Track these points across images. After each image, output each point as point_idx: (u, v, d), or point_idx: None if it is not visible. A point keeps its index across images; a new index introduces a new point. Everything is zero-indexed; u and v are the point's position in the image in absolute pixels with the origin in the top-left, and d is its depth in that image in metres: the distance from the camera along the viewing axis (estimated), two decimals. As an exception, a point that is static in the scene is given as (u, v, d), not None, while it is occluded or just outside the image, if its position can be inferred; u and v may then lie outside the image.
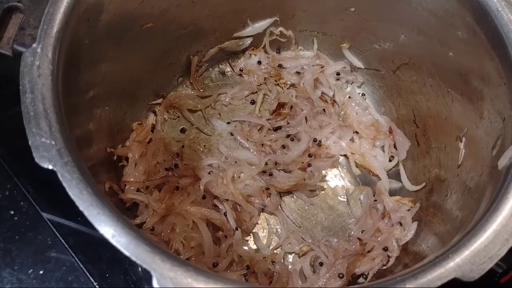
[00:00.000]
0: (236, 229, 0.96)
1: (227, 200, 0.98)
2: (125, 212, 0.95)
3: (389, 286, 0.61)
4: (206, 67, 1.19)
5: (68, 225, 0.98)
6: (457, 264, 0.62)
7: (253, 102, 1.17)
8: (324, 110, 1.13)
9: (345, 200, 1.07)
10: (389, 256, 0.96)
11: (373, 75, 1.17)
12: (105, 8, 0.84)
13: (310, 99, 1.14)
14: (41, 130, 0.64)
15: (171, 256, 0.60)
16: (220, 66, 1.21)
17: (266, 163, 1.04)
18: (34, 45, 0.69)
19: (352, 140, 1.12)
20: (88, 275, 0.95)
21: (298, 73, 1.19)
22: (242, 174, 1.01)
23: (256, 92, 1.18)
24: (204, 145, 1.11)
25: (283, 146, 1.07)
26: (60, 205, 0.99)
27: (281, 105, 1.14)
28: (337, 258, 0.93)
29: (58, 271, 0.96)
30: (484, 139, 0.83)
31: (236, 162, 1.06)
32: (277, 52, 1.21)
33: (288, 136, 1.09)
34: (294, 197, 1.06)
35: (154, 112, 1.12)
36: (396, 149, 1.10)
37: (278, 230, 1.02)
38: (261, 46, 1.19)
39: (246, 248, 0.96)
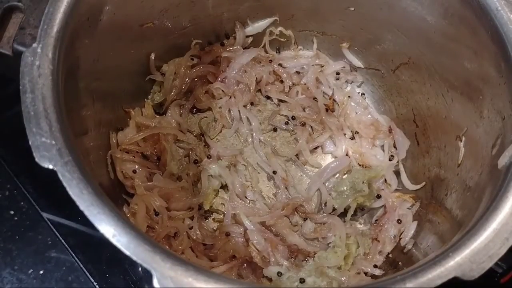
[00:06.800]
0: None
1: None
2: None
3: (389, 286, 0.61)
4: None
5: (68, 225, 0.99)
6: (457, 263, 0.63)
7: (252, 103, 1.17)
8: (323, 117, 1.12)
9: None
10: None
11: (373, 75, 1.17)
12: (105, 7, 0.84)
13: (314, 99, 1.14)
14: (41, 130, 0.64)
15: (172, 255, 0.60)
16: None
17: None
18: (34, 44, 0.69)
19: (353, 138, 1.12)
20: (88, 275, 0.95)
21: (298, 72, 1.19)
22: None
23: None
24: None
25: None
26: (60, 205, 0.99)
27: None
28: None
29: (58, 271, 0.96)
30: (484, 138, 0.83)
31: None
32: (276, 52, 1.21)
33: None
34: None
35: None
36: (396, 149, 1.10)
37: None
38: (261, 46, 1.19)
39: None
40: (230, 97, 1.13)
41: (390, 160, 1.09)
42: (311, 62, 1.19)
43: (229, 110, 1.12)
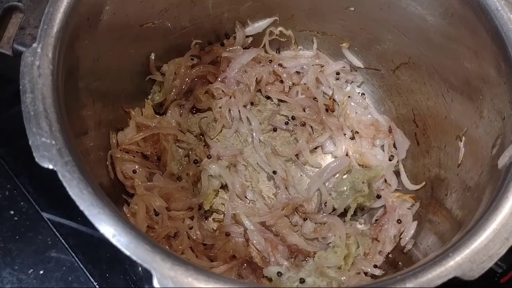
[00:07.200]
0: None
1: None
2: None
3: (390, 286, 0.61)
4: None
5: (68, 225, 0.99)
6: (457, 263, 0.63)
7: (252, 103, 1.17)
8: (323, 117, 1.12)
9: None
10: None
11: (373, 75, 1.17)
12: (105, 7, 0.84)
13: (314, 99, 1.14)
14: (41, 130, 0.64)
15: (172, 255, 0.60)
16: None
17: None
18: (34, 44, 0.69)
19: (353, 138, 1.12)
20: (88, 275, 0.95)
21: (298, 72, 1.19)
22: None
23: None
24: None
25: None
26: (60, 205, 0.99)
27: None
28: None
29: (58, 271, 0.96)
30: (484, 138, 0.83)
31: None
32: (276, 52, 1.21)
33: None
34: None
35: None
36: (396, 149, 1.10)
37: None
38: (261, 46, 1.19)
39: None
40: (230, 97, 1.13)
41: (390, 160, 1.09)
42: (311, 62, 1.19)
43: (229, 110, 1.13)
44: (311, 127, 1.13)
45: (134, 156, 0.97)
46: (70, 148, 0.64)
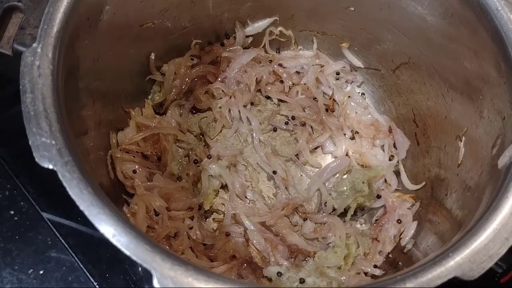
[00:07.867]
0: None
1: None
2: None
3: (390, 286, 0.61)
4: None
5: (68, 225, 0.99)
6: (457, 263, 0.63)
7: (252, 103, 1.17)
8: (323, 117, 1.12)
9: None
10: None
11: (373, 75, 1.17)
12: (105, 7, 0.84)
13: (314, 99, 1.14)
14: (41, 130, 0.64)
15: (172, 255, 0.60)
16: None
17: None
18: (34, 44, 0.69)
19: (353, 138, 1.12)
20: (88, 275, 0.95)
21: (298, 72, 1.19)
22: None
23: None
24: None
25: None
26: (60, 205, 0.99)
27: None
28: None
29: (58, 271, 0.96)
30: (484, 138, 0.83)
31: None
32: (277, 52, 1.21)
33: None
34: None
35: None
36: (396, 149, 1.10)
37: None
38: (261, 46, 1.19)
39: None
40: (230, 97, 1.13)
41: (390, 160, 1.09)
42: (311, 62, 1.19)
43: (229, 110, 1.13)
44: (311, 127, 1.13)
45: (134, 156, 0.97)
46: (70, 148, 0.64)
